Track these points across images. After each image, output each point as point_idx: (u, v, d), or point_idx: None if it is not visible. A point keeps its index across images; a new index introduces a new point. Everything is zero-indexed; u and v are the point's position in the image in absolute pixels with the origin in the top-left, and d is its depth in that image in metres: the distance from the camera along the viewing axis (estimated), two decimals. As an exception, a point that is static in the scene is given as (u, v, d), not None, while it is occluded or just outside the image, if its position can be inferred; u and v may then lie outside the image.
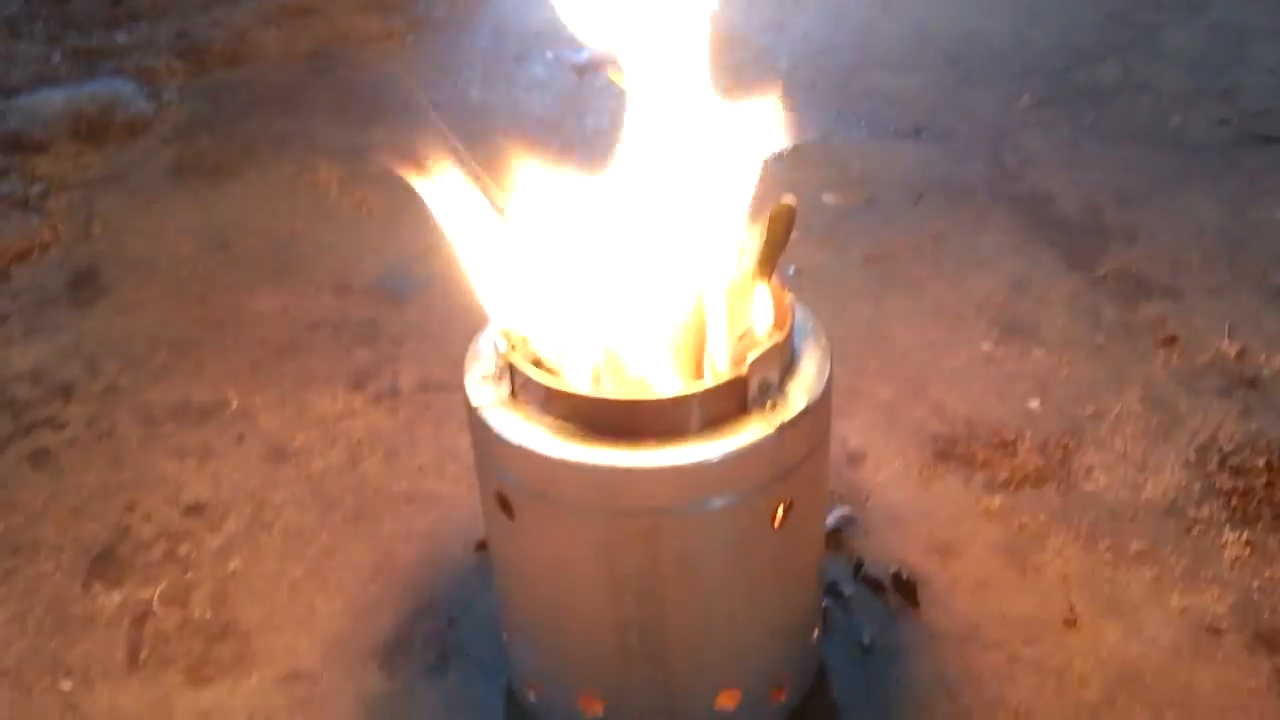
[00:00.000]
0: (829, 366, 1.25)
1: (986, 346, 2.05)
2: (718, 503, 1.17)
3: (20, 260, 2.37)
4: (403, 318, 2.18)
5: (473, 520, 1.69)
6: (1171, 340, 2.03)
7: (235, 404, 1.98)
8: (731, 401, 1.18)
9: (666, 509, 1.17)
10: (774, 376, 1.19)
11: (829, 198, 2.52)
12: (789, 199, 1.25)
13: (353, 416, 1.94)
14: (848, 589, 1.60)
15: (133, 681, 1.51)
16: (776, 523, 1.24)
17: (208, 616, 1.60)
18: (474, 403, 1.23)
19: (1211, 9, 3.26)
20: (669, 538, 1.18)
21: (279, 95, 3.02)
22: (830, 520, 1.68)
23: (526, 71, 3.11)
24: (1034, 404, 1.91)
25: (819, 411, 1.23)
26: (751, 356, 1.16)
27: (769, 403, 1.19)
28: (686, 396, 1.16)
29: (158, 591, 1.63)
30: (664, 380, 1.21)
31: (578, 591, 1.25)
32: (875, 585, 1.60)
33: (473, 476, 1.69)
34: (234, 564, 1.68)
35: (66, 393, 2.02)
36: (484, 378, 1.26)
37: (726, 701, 1.33)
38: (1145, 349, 2.02)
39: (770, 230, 1.26)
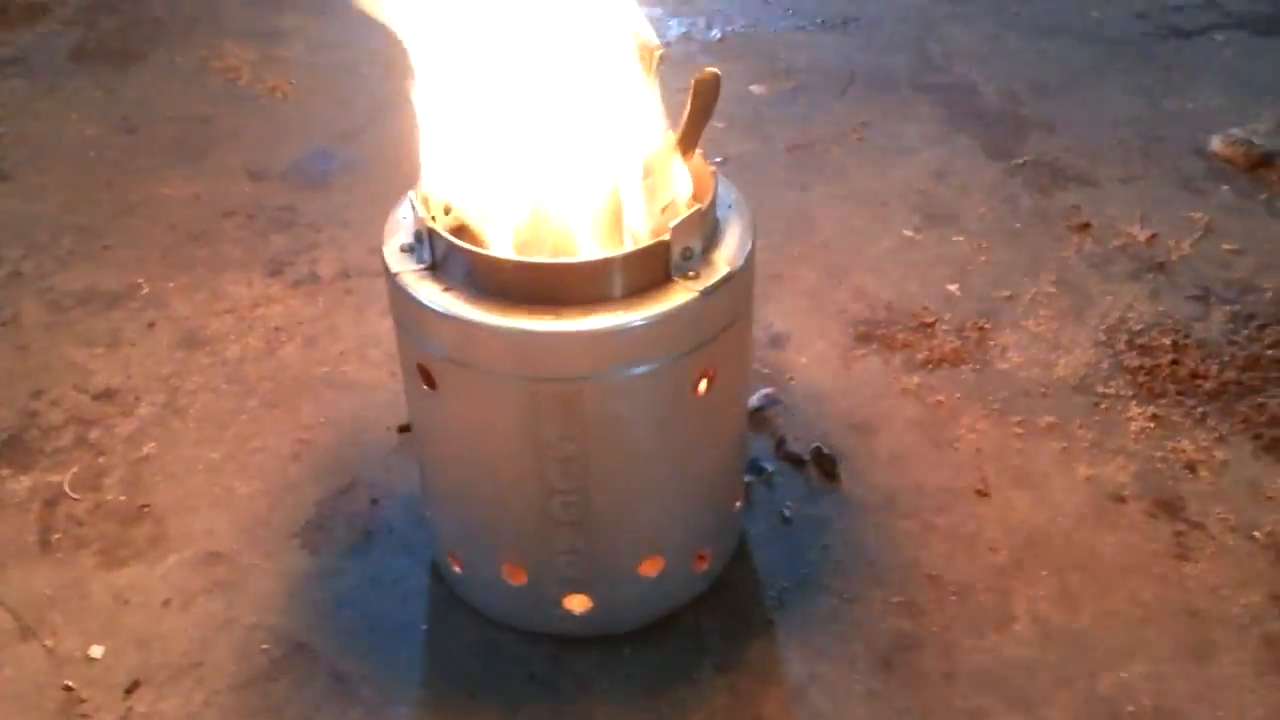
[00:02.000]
0: (751, 239, 1.25)
1: (908, 233, 2.06)
2: (640, 369, 1.17)
3: (-85, 147, 2.27)
4: (321, 204, 2.13)
5: (394, 405, 1.68)
6: (1085, 226, 2.06)
7: (146, 290, 1.93)
8: (654, 268, 1.17)
9: (588, 376, 1.16)
10: (697, 245, 1.19)
11: (756, 88, 2.49)
12: (712, 69, 1.23)
13: (269, 303, 1.90)
14: (769, 466, 1.62)
15: (45, 564, 1.48)
16: (699, 392, 1.24)
17: (121, 499, 1.57)
18: (393, 269, 1.20)
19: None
20: (591, 404, 1.18)
21: (185, -21, 2.90)
22: (754, 400, 1.69)
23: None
24: (953, 288, 1.93)
25: (741, 280, 1.23)
26: (674, 223, 1.16)
27: (691, 270, 1.19)
28: (608, 260, 1.16)
29: (69, 475, 1.60)
30: (586, 247, 1.20)
31: (501, 462, 1.24)
32: (796, 461, 1.63)
33: (394, 363, 1.67)
34: (147, 448, 1.64)
35: (-33, 279, 1.95)
36: (403, 248, 1.23)
37: (649, 569, 1.35)
38: (1060, 234, 2.05)
39: (694, 100, 1.24)
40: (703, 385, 1.24)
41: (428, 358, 1.21)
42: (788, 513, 1.55)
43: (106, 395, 1.73)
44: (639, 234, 1.21)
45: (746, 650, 1.38)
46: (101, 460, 1.62)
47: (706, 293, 1.17)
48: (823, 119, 2.38)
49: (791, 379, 1.76)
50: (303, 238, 2.04)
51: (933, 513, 1.55)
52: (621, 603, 1.36)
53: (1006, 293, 1.91)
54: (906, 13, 2.76)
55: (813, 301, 1.91)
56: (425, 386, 1.24)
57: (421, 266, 1.20)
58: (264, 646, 1.38)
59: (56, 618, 1.41)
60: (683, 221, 1.16)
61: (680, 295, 1.17)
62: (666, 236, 1.16)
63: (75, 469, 1.61)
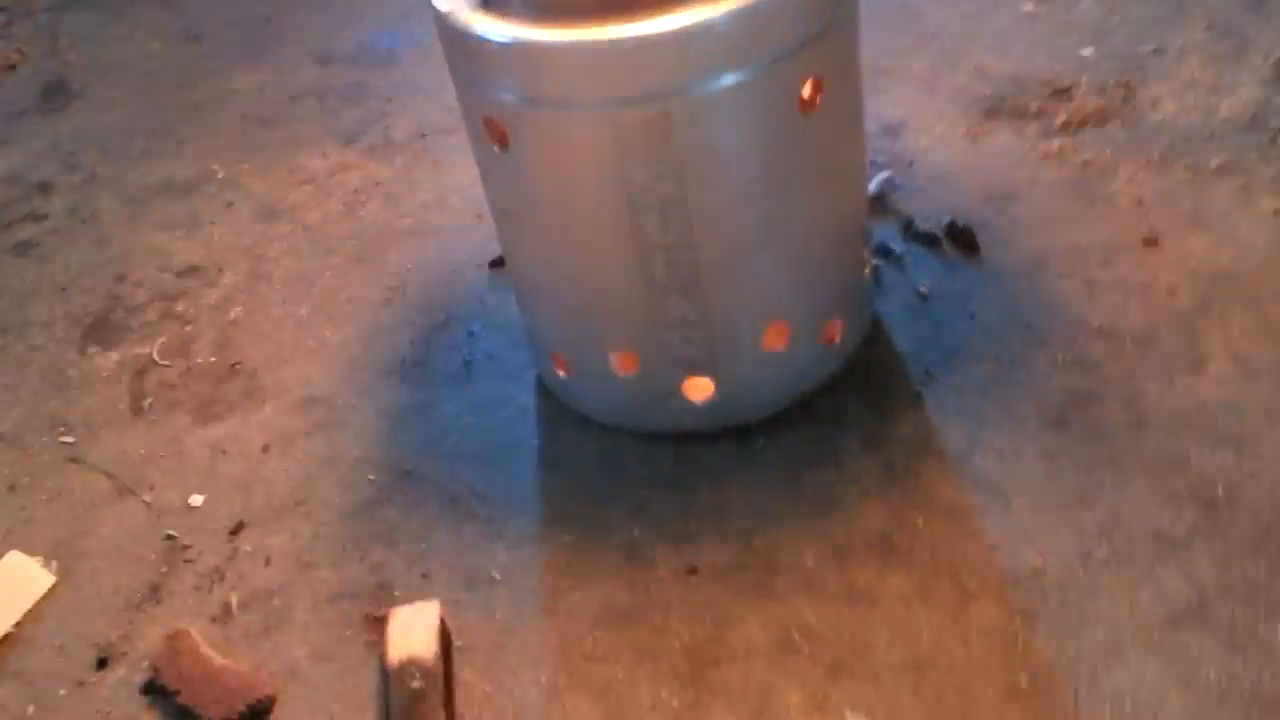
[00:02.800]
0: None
1: (1028, 7, 1.85)
2: (733, 78, 1.01)
3: (-9, 81, 2.24)
4: (391, 78, 2.02)
5: (484, 245, 1.56)
6: (1233, -27, 1.82)
7: (221, 175, 1.84)
8: (736, -39, 1.01)
9: (675, 91, 1.01)
10: (784, -73, 1.02)
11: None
12: None
13: (346, 170, 1.80)
14: (897, 247, 1.44)
15: (138, 427, 1.40)
16: (805, 107, 1.08)
17: (212, 361, 1.48)
18: (444, 9, 1.07)
19: None
20: (683, 130, 1.02)
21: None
22: (872, 185, 1.52)
23: None
24: (1087, 52, 1.72)
25: (841, -32, 1.06)
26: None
27: (781, -43, 1.02)
28: (681, -49, 1.00)
29: (157, 345, 1.52)
30: None
31: (591, 220, 1.10)
32: (928, 239, 1.45)
33: (480, 205, 1.55)
34: (234, 313, 1.55)
35: (46, 189, 1.89)
36: (452, -9, 1.10)
37: (774, 340, 1.19)
38: (1205, -15, 1.81)
39: None
40: (808, 99, 1.08)
41: (496, 109, 1.07)
42: (924, 290, 1.38)
43: (190, 271, 1.64)
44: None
45: (895, 426, 1.22)
46: (189, 329, 1.54)
47: (802, -20, 1.01)
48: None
49: (911, 163, 1.58)
50: (374, 109, 1.94)
51: (1095, 268, 1.36)
52: (747, 384, 1.21)
53: (1151, 47, 1.69)
54: None
55: (926, 89, 1.72)
56: (496, 148, 1.11)
57: (474, 4, 1.06)
58: (370, 477, 1.27)
59: (154, 474, 1.33)
60: (764, -100, 1.00)
61: (771, -14, 1.00)
62: (748, -81, 1.00)
63: (163, 339, 1.53)
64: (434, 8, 1.08)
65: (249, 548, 1.22)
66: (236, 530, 1.25)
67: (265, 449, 1.34)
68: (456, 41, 1.06)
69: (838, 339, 1.24)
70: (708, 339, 1.16)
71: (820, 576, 1.08)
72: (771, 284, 1.15)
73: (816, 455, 1.20)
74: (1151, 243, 1.37)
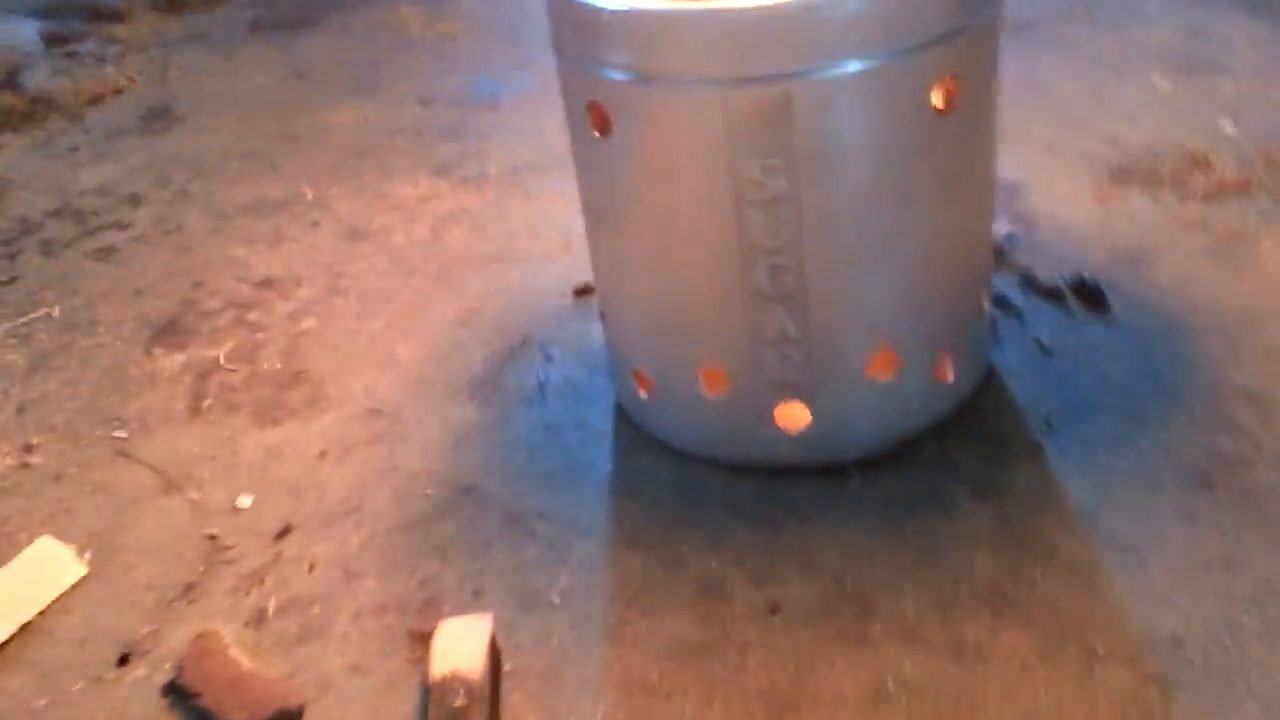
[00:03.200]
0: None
1: (1162, 84, 1.76)
2: (861, 64, 0.93)
3: (94, 104, 2.25)
4: (491, 120, 1.98)
5: (571, 273, 1.48)
6: (1386, 60, 1.72)
7: (310, 196, 1.80)
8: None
9: (797, 71, 0.93)
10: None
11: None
12: None
13: (437, 198, 1.75)
14: (1017, 300, 1.33)
15: (195, 427, 1.32)
16: (937, 108, 0.99)
17: (278, 368, 1.41)
18: (553, -19, 1.01)
19: None
20: (803, 116, 0.94)
21: (363, -36, 2.88)
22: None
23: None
24: (1226, 125, 1.61)
25: (985, -40, 0.98)
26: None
27: (919, -61, 0.95)
28: (814, -80, 0.92)
29: (224, 350, 1.45)
30: None
31: (693, 219, 1.01)
32: (1051, 294, 1.33)
33: (569, 235, 1.49)
34: (306, 324, 1.49)
35: (135, 201, 1.87)
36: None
37: (881, 368, 1.08)
38: (1356, 69, 1.71)
39: None
40: (943, 100, 0.99)
41: (601, 90, 1.00)
42: (1045, 342, 1.26)
43: (267, 283, 1.59)
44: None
45: (1011, 475, 1.09)
46: (259, 336, 1.47)
47: (942, -37, 0.93)
48: (1041, 4, 2.10)
49: (1036, 222, 1.47)
50: (471, 146, 1.89)
51: (1242, 332, 1.23)
52: (847, 416, 1.09)
53: (1295, 123, 1.59)
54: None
55: (1050, 152, 1.62)
56: (597, 134, 1.03)
57: (587, -25, 1.00)
58: (428, 491, 1.18)
59: (203, 473, 1.25)
60: (906, -124, 0.92)
61: (908, -35, 0.92)
62: (887, -107, 0.92)
63: (231, 344, 1.46)
64: (545, -16, 1.02)
65: (293, 552, 1.13)
66: (283, 534, 1.15)
67: (322, 455, 1.25)
68: (567, 13, 1.00)
69: (950, 377, 1.13)
70: (808, 360, 1.05)
71: (922, 627, 0.95)
72: (883, 304, 1.04)
73: (920, 500, 1.07)
74: (1304, 309, 1.25)
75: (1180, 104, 1.69)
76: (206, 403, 1.36)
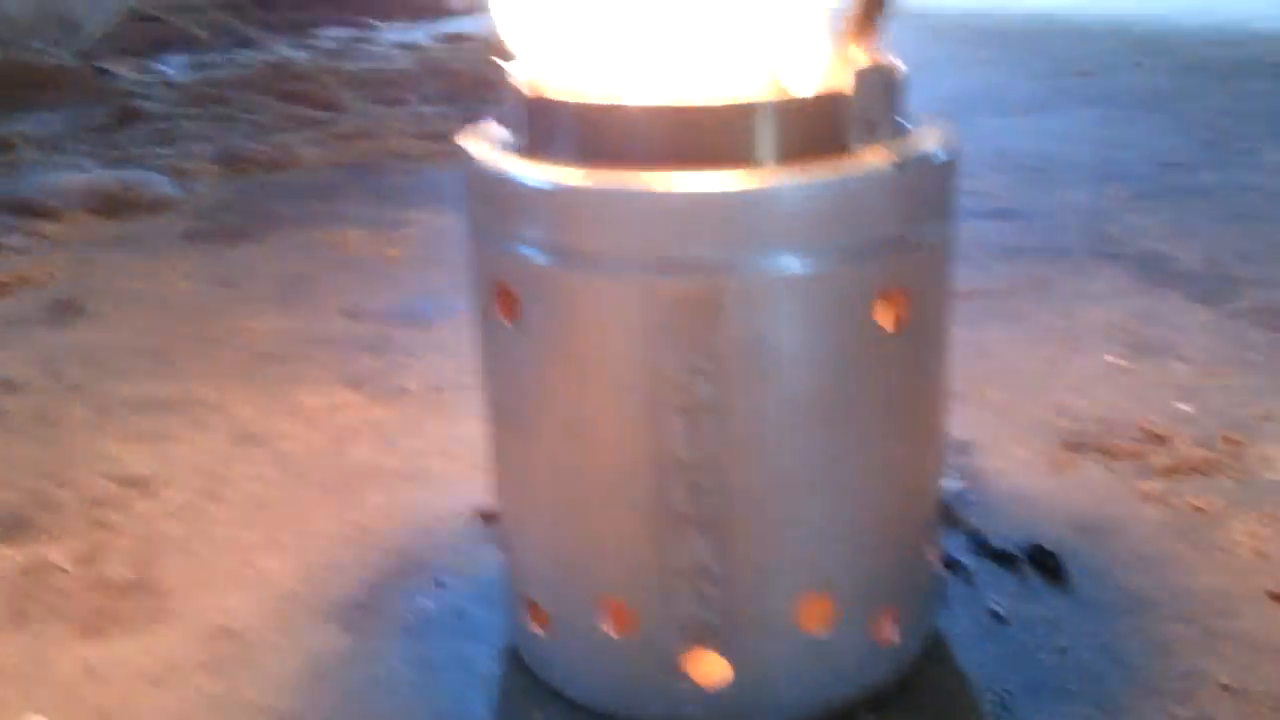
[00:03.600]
0: (955, 143, 0.93)
1: (1115, 361, 1.69)
2: (796, 264, 0.83)
3: (2, 294, 2.12)
4: (419, 337, 1.88)
5: (484, 495, 1.33)
6: (1342, 356, 1.67)
7: (209, 399, 1.66)
8: (826, 128, 0.86)
9: (732, 266, 0.82)
10: (881, 113, 0.88)
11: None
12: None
13: (346, 409, 1.61)
14: (968, 562, 1.19)
15: (6, 632, 1.12)
16: (881, 322, 0.88)
17: (121, 572, 1.22)
18: (477, 154, 0.91)
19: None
20: (735, 312, 0.83)
21: (315, 189, 2.86)
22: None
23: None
24: (1185, 407, 1.54)
25: (945, 174, 0.90)
26: (859, 70, 0.85)
27: (876, 140, 0.87)
28: (767, 106, 0.84)
29: (68, 551, 1.26)
30: (726, 89, 0.88)
31: (604, 422, 0.88)
32: (1005, 558, 1.20)
33: (485, 457, 1.36)
34: (168, 528, 1.31)
35: (11, 388, 1.71)
36: (488, 138, 0.95)
37: (812, 618, 0.92)
38: (1315, 364, 1.66)
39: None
40: (891, 315, 0.89)
41: (511, 269, 0.89)
42: (1000, 610, 1.11)
43: (134, 482, 1.42)
44: (799, 77, 0.89)
45: (962, 763, 0.92)
46: (110, 538, 1.29)
47: (901, 166, 0.85)
48: (989, 276, 2.08)
49: (985, 482, 1.36)
50: (394, 360, 1.78)
51: (1214, 617, 1.10)
52: (772, 673, 0.93)
53: (1259, 411, 1.51)
54: (1072, 208, 2.51)
55: (1000, 415, 1.53)
56: (504, 321, 0.91)
57: (512, 148, 0.91)
58: (264, 731, 0.98)
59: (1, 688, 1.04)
60: (868, 73, 0.86)
61: (862, 165, 0.84)
62: (847, 87, 0.85)
63: (75, 544, 1.28)
64: (464, 151, 0.93)
65: (80, 793, 0.91)
66: (76, 769, 0.94)
67: (148, 679, 1.05)
68: (483, 187, 0.90)
69: (891, 638, 0.97)
70: (727, 599, 0.90)
71: None
72: (817, 540, 0.90)
73: (854, 786, 0.90)
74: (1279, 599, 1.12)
75: (1133, 381, 1.62)
76: (30, 606, 1.16)
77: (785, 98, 0.85)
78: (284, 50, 4.67)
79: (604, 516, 0.91)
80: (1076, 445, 1.44)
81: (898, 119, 0.91)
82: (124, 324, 1.97)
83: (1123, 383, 1.62)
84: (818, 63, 0.86)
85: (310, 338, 1.88)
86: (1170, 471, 1.37)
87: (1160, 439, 1.45)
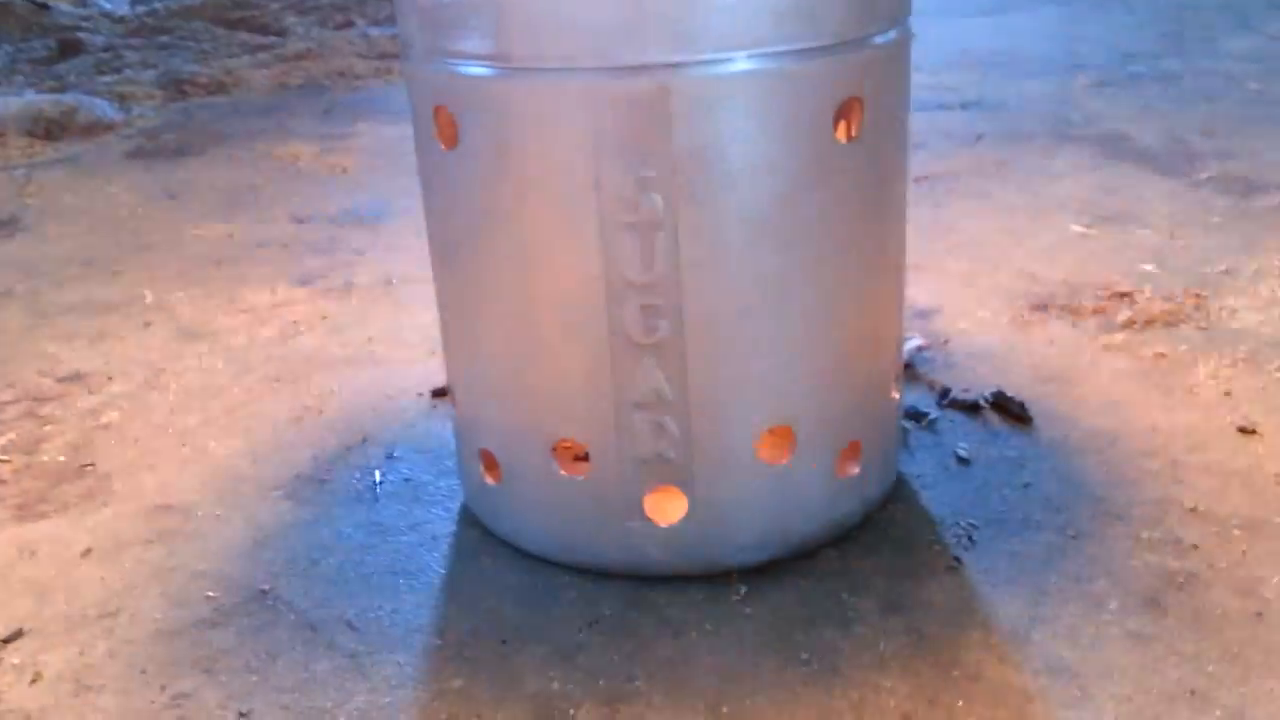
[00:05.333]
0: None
1: (1078, 229, 1.67)
2: (746, 62, 0.79)
3: (-64, 212, 2.05)
4: (367, 237, 1.82)
5: (432, 375, 1.30)
6: (1305, 217, 1.65)
7: (149, 299, 1.60)
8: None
9: (677, 62, 0.78)
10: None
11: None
12: None
13: (293, 304, 1.56)
14: (931, 412, 1.17)
15: (-63, 518, 1.08)
16: (842, 131, 0.84)
17: (60, 460, 1.18)
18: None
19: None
20: (683, 117, 0.79)
21: (260, 109, 2.78)
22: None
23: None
24: (1149, 267, 1.51)
25: (894, -27, 0.86)
26: None
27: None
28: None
29: (4, 443, 1.22)
30: None
31: (550, 246, 0.84)
32: (969, 407, 1.18)
33: (436, 343, 1.32)
34: (108, 418, 1.26)
35: (-51, 298, 1.65)
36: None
37: (774, 450, 0.90)
38: (1275, 224, 1.64)
39: None
40: (846, 121, 0.85)
41: (449, 88, 0.84)
42: (964, 453, 1.09)
43: (73, 378, 1.37)
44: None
45: (926, 591, 0.90)
46: (48, 429, 1.24)
47: (846, -39, 0.80)
48: (952, 161, 2.04)
49: (947, 341, 1.33)
50: (341, 259, 1.73)
51: (1181, 451, 1.08)
52: (732, 510, 0.90)
53: (1222, 268, 1.49)
54: (1033, 97, 2.47)
55: (966, 283, 1.50)
56: (443, 146, 0.87)
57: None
58: (209, 594, 0.94)
59: (-71, 568, 1.00)
60: None
61: (807, -42, 0.80)
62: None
63: (11, 435, 1.23)
64: (393, -32, 0.88)
65: (17, 660, 0.88)
66: (10, 639, 0.90)
67: (85, 553, 1.01)
68: (419, 2, 0.85)
69: (855, 471, 0.94)
70: (685, 431, 0.87)
71: (814, 761, 0.73)
72: (777, 367, 0.87)
73: (817, 614, 0.87)
74: (1249, 432, 1.10)
75: (1097, 245, 1.60)
76: (-37, 494, 1.12)
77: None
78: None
79: (556, 349, 0.87)
80: (1041, 306, 1.41)
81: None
82: (62, 236, 1.91)
83: (1088, 248, 1.59)
84: None
85: (255, 241, 1.83)
86: (1132, 323, 1.34)
87: (1125, 296, 1.42)
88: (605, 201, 0.81)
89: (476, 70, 0.82)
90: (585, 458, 0.89)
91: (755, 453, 0.88)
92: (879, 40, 0.84)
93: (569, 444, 0.91)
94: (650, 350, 0.85)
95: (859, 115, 0.85)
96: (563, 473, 0.90)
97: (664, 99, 0.78)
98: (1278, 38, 2.94)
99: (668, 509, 0.90)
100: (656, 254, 0.82)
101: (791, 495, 0.91)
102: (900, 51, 0.88)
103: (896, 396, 1.00)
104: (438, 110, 0.86)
